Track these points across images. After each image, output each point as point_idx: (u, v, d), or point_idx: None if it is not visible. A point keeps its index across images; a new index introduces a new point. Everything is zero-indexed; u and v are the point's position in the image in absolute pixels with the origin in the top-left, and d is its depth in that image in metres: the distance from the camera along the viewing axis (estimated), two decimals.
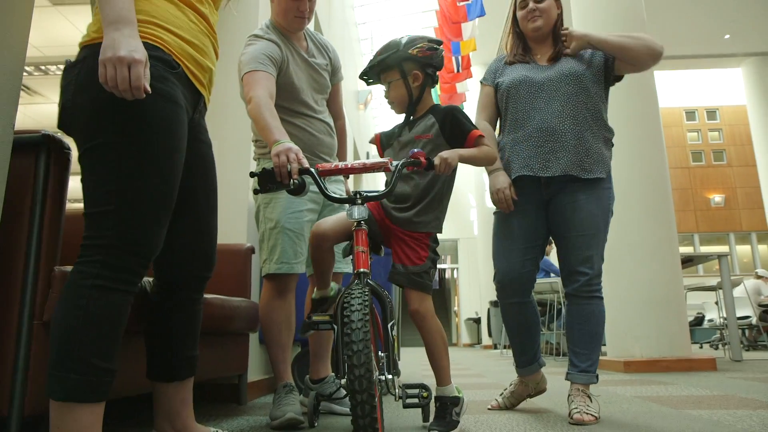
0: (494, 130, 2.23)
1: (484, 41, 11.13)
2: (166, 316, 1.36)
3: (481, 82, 2.28)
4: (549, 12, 2.13)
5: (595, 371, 2.01)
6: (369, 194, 1.51)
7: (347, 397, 1.89)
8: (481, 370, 5.22)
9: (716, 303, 8.07)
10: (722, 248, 16.59)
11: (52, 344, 1.05)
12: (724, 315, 8.00)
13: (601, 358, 4.20)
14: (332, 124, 2.29)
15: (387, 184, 1.56)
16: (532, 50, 2.20)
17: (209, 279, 1.41)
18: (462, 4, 8.76)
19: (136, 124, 1.11)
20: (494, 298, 11.77)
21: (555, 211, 2.06)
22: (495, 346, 11.41)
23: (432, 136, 1.77)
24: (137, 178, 1.12)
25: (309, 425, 1.80)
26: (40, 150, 1.20)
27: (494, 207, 2.13)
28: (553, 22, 2.16)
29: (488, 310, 12.10)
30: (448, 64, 9.08)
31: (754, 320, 8.15)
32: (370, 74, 1.81)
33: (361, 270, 1.39)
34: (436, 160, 1.58)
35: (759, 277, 9.01)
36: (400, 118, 1.86)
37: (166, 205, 1.18)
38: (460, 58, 8.71)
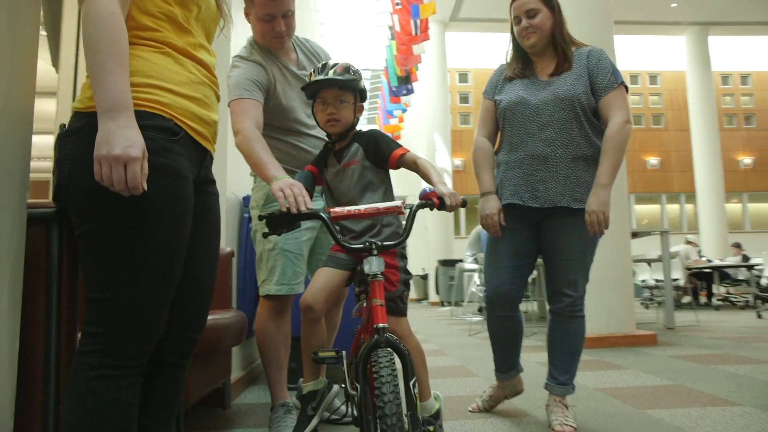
0: (494, 145, 2.25)
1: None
2: (145, 385, 1.15)
3: (483, 95, 2.28)
4: (542, 27, 2.09)
5: (572, 383, 2.17)
6: (384, 243, 1.47)
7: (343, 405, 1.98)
8: (427, 335, 5.49)
9: (649, 264, 8.70)
10: (654, 207, 17.63)
11: None
12: (655, 278, 8.68)
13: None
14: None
15: (404, 229, 1.54)
16: (534, 63, 2.19)
17: (198, 343, 1.28)
18: None
19: (139, 208, 1.04)
20: (443, 257, 12.10)
21: (545, 234, 2.14)
22: (442, 304, 11.86)
23: (358, 161, 1.82)
24: (140, 262, 1.05)
25: None
26: (52, 223, 1.13)
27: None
28: (549, 34, 2.11)
29: (436, 269, 12.50)
30: (406, 26, 8.90)
31: (681, 282, 8.85)
32: (321, 85, 1.73)
33: (381, 325, 1.35)
34: (447, 200, 1.57)
35: (689, 242, 9.71)
36: None
37: (171, 282, 1.12)
38: (418, 21, 8.54)
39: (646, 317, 7.14)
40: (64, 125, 1.11)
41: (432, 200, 1.57)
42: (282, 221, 1.48)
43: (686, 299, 9.22)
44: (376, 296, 1.41)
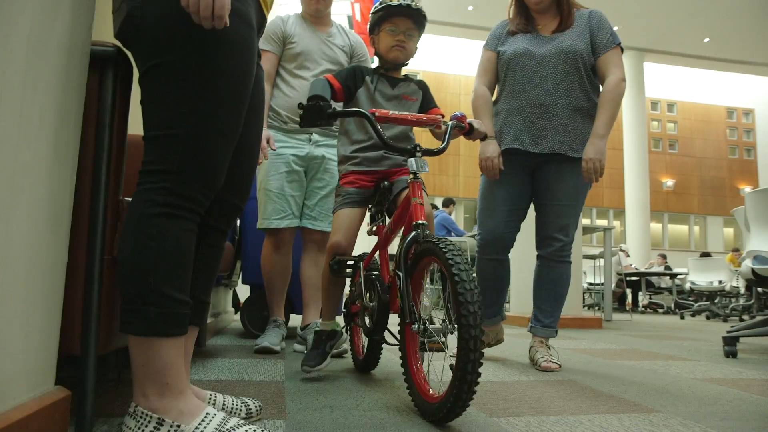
0: (492, 95, 2.31)
1: None
2: None
3: (483, 47, 2.33)
4: None
5: (555, 327, 2.25)
6: (427, 149, 1.54)
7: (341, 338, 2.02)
8: None
9: (593, 260, 9.16)
10: (585, 221, 18.56)
11: (125, 278, 0.97)
12: (589, 280, 9.15)
13: (507, 314, 4.63)
14: None
15: (444, 142, 1.63)
16: (535, 20, 2.27)
17: (241, 211, 1.28)
18: None
19: (215, 44, 1.01)
20: None
21: (539, 180, 2.22)
22: None
23: (417, 100, 1.90)
24: (210, 101, 1.02)
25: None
26: (107, 66, 1.05)
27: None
28: None
29: None
30: (367, 14, 8.93)
31: (612, 286, 9.37)
32: (399, 12, 1.77)
33: (420, 222, 1.40)
34: (476, 125, 1.74)
35: (621, 250, 10.30)
36: None
37: (234, 134, 1.09)
38: None
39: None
40: None
41: (463, 123, 1.69)
42: (318, 114, 1.47)
43: (614, 305, 9.76)
44: (416, 195, 1.47)
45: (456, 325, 1.14)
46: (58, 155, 0.94)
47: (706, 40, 14.13)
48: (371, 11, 1.84)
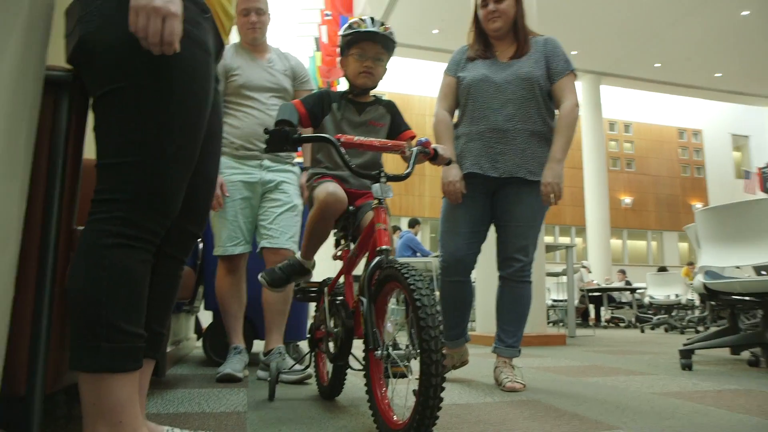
0: (452, 118, 2.35)
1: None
2: None
3: (444, 73, 2.38)
4: (508, 12, 2.26)
5: (518, 346, 2.27)
6: (391, 174, 1.53)
7: (293, 367, 2.02)
8: None
9: (555, 277, 9.33)
10: (548, 239, 18.93)
11: (75, 312, 0.93)
12: (553, 297, 9.31)
13: (472, 333, 4.66)
14: None
15: (408, 167, 1.59)
16: (494, 47, 2.33)
17: (197, 239, 1.25)
18: None
19: (171, 70, 1.00)
20: None
21: (499, 202, 2.26)
22: None
23: (385, 125, 1.89)
24: (166, 128, 1.01)
25: (270, 398, 1.84)
26: (63, 90, 1.03)
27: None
28: (513, 20, 2.28)
29: None
30: (334, 37, 9.04)
31: (576, 303, 9.55)
32: (367, 37, 1.76)
33: (385, 248, 1.39)
34: (440, 151, 1.72)
35: (583, 266, 10.53)
36: None
37: (190, 162, 1.07)
38: None
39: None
40: None
41: (428, 149, 1.68)
42: (283, 139, 1.46)
43: (578, 320, 9.94)
44: (380, 221, 1.45)
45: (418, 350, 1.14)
46: (7, 180, 0.91)
47: (657, 65, 14.77)
48: (340, 33, 1.84)
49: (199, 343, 3.51)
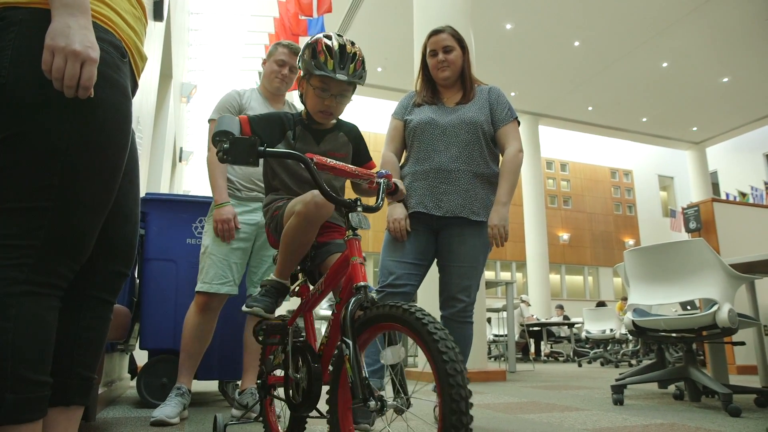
0: (399, 160, 2.43)
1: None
2: (71, 320, 1.08)
3: (392, 116, 2.47)
4: (456, 62, 2.39)
5: None
6: (366, 205, 1.43)
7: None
8: None
9: (496, 312, 9.51)
10: (489, 274, 19.36)
11: None
12: (494, 332, 9.48)
13: (413, 370, 4.67)
14: None
15: (376, 199, 1.52)
16: (441, 94, 2.45)
17: (126, 278, 1.21)
18: (303, 18, 8.90)
19: (91, 114, 0.97)
20: None
21: (443, 242, 2.32)
22: None
23: (347, 155, 1.78)
24: (83, 174, 0.97)
25: None
26: None
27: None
28: (460, 69, 2.41)
29: None
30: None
31: (516, 338, 9.77)
32: (340, 75, 1.61)
33: (362, 284, 1.27)
34: (400, 186, 1.63)
35: (522, 301, 10.81)
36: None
37: (104, 207, 1.05)
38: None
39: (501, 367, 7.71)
40: None
41: (391, 183, 1.58)
42: (249, 150, 1.28)
43: (518, 355, 10.15)
44: (354, 254, 1.34)
45: (437, 392, 1.05)
46: None
47: (590, 108, 15.72)
48: (302, 56, 1.66)
49: (134, 383, 3.36)
